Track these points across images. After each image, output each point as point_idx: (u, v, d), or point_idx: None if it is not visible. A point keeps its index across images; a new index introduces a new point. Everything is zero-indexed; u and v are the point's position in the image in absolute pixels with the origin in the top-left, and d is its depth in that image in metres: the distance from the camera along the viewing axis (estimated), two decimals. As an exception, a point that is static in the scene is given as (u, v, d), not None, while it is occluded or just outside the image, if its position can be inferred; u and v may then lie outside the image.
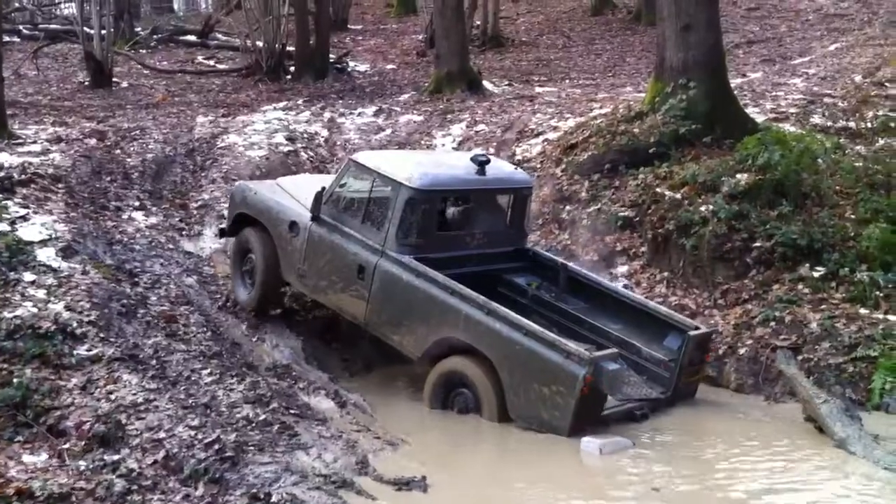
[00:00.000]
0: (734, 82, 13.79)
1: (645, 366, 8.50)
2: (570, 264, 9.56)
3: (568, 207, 11.44)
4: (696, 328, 8.54)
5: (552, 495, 6.66)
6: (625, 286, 9.90)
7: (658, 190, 10.85)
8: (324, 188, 9.10)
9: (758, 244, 9.80)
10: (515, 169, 9.87)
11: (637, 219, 10.76)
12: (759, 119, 12.61)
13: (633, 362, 8.45)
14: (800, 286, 9.38)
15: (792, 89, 15.10)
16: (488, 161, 8.93)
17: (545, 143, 12.98)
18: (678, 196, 10.59)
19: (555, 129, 13.41)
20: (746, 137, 11.01)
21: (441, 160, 9.27)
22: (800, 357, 8.59)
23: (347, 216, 8.91)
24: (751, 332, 9.08)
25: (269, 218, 9.62)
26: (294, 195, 9.63)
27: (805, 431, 7.69)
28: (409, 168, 8.64)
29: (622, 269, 10.49)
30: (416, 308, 8.37)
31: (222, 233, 10.51)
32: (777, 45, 20.82)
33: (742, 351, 8.96)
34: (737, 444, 7.56)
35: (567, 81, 18.82)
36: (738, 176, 10.44)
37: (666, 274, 10.23)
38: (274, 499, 5.96)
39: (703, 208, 10.22)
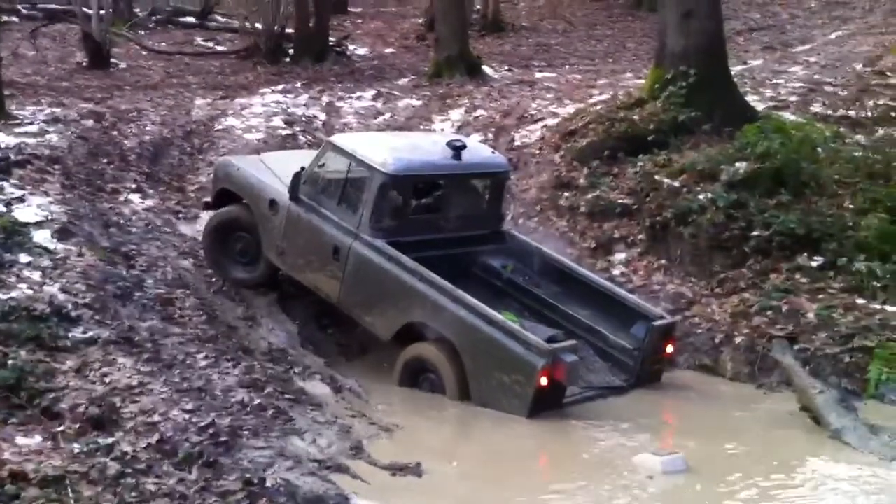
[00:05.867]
0: (734, 70, 13.71)
1: (611, 353, 8.68)
2: (545, 248, 9.63)
3: (566, 194, 11.38)
4: (661, 317, 8.69)
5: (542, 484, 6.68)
6: (621, 274, 9.95)
7: (657, 177, 10.81)
8: (303, 168, 9.18)
9: (756, 233, 9.77)
10: (493, 153, 9.96)
11: (635, 206, 10.72)
12: (760, 107, 12.57)
13: (600, 349, 8.70)
14: (797, 276, 9.35)
15: (792, 77, 15.05)
16: (464, 146, 9.00)
17: (544, 129, 12.92)
18: (677, 184, 10.56)
19: (554, 115, 13.35)
20: (746, 125, 10.98)
21: (418, 144, 9.38)
22: (796, 347, 8.56)
23: (324, 197, 9.02)
24: (748, 322, 9.05)
25: (251, 195, 9.70)
26: (276, 172, 9.69)
27: (800, 422, 7.70)
28: (384, 152, 8.73)
29: (620, 256, 10.45)
30: (386, 291, 8.52)
31: (206, 205, 10.61)
32: (778, 33, 20.75)
33: (738, 340, 8.94)
34: (727, 432, 7.58)
35: (567, 67, 18.74)
36: (738, 164, 10.40)
37: (663, 262, 10.20)
38: (268, 484, 5.93)
39: (701, 196, 10.19)
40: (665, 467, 6.68)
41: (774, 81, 14.65)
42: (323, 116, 14.86)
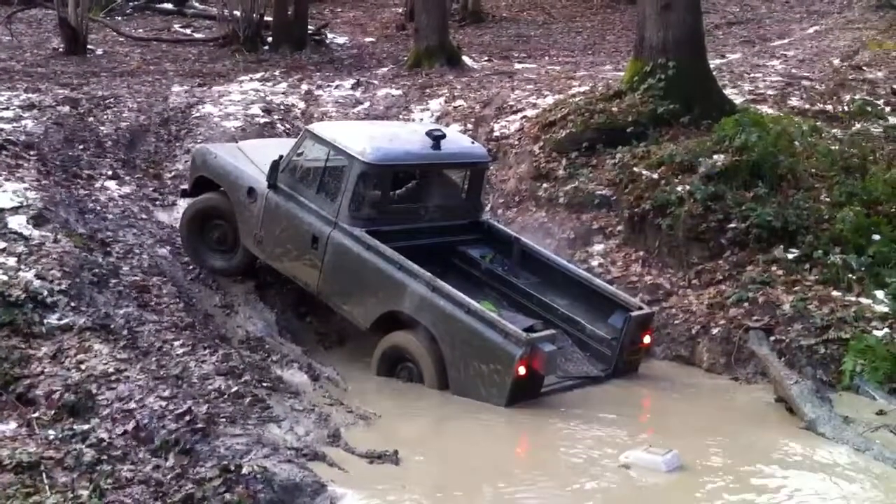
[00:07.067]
0: (713, 63, 13.78)
1: (589, 343, 8.74)
2: (524, 238, 9.66)
3: (545, 185, 11.42)
4: (640, 308, 8.74)
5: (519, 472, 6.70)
6: (600, 265, 9.99)
7: (635, 169, 10.84)
8: (281, 157, 9.13)
9: (733, 225, 9.81)
10: (472, 143, 9.96)
11: (614, 198, 10.76)
12: (738, 100, 12.63)
13: (578, 339, 8.76)
14: (773, 268, 9.40)
15: (770, 71, 15.13)
16: (443, 136, 9.01)
17: (523, 120, 12.93)
18: (655, 176, 10.59)
19: (534, 106, 13.37)
20: (724, 118, 11.02)
21: (397, 133, 9.34)
22: (772, 338, 8.62)
23: (303, 186, 8.98)
24: (724, 313, 9.11)
25: (228, 182, 9.65)
26: (254, 160, 9.63)
27: (775, 412, 7.76)
28: (364, 141, 8.70)
29: (598, 247, 10.49)
30: (365, 280, 8.51)
31: (183, 193, 10.55)
32: (756, 27, 20.87)
33: (715, 331, 8.99)
34: (705, 424, 7.63)
35: (547, 58, 18.76)
36: (715, 157, 10.44)
37: (641, 253, 10.24)
38: (244, 471, 5.91)
39: (679, 188, 10.23)
40: (667, 466, 6.61)
41: (752, 75, 14.72)
42: (301, 105, 14.79)
